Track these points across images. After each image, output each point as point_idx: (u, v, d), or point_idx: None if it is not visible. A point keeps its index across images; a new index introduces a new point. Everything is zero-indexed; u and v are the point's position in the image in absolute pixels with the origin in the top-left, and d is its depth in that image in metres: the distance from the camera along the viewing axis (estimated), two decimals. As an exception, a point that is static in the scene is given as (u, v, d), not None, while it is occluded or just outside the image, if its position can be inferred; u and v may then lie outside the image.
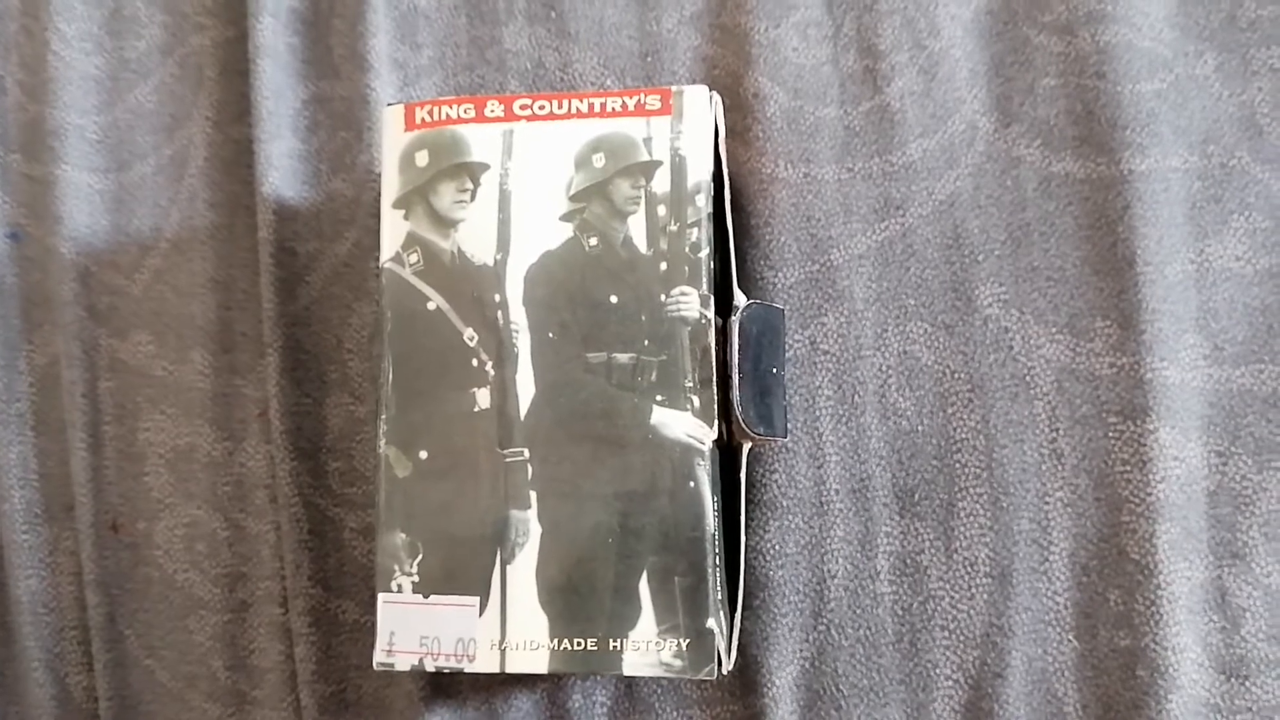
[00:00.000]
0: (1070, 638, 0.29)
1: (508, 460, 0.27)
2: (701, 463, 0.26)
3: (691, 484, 0.26)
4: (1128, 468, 0.29)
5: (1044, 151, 0.31)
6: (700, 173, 0.27)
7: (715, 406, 0.26)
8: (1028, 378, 0.30)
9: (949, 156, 0.32)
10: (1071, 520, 0.29)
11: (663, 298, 0.27)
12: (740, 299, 0.28)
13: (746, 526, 0.30)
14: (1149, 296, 0.30)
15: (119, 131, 0.35)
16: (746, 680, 0.30)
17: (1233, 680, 0.28)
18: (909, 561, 0.30)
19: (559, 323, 0.27)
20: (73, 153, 0.35)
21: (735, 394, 0.27)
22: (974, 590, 0.30)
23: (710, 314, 0.27)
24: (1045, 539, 0.30)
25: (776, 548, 0.30)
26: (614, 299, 0.27)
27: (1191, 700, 0.28)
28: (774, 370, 0.29)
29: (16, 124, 0.35)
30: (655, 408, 0.26)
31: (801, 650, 0.30)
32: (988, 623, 0.29)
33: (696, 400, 0.26)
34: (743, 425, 0.27)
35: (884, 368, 0.31)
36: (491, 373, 0.27)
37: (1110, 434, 0.29)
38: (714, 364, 0.27)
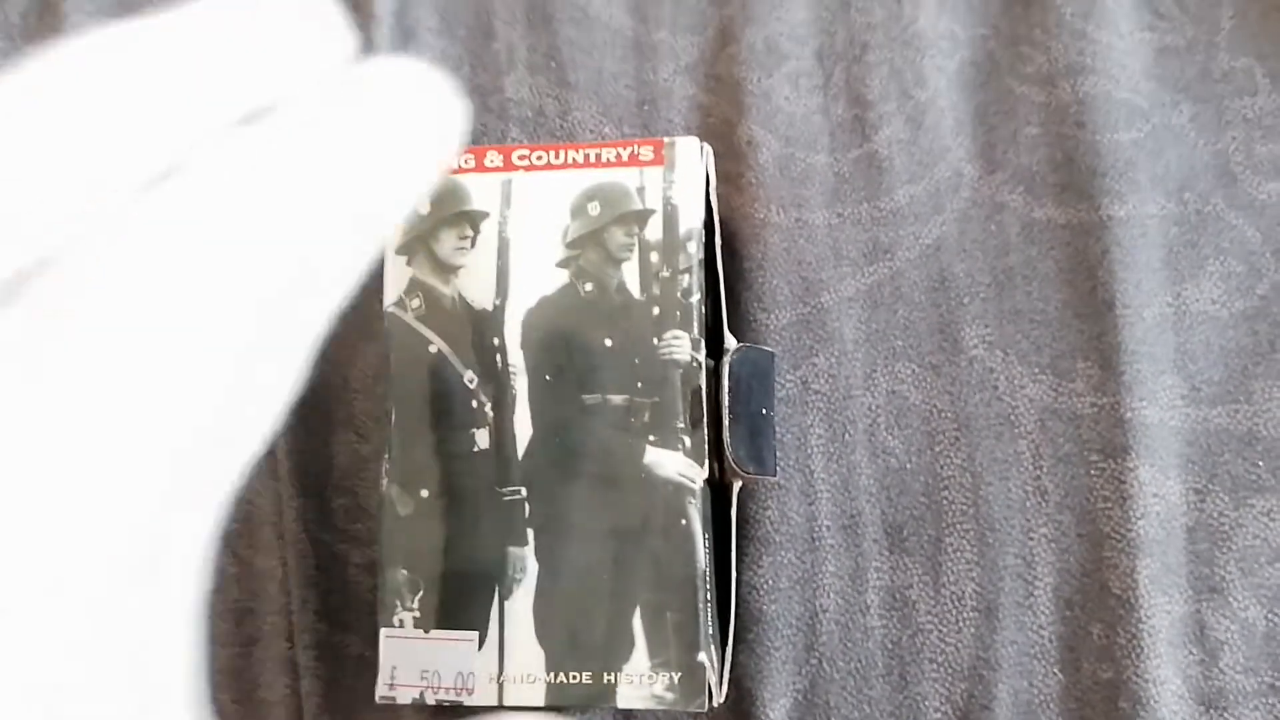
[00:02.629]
0: (1055, 670, 0.30)
1: (505, 499, 0.28)
2: (693, 501, 0.27)
3: (683, 522, 0.27)
4: (1109, 504, 0.30)
5: (1026, 198, 0.32)
6: (691, 220, 0.28)
7: (706, 446, 0.27)
8: (1012, 417, 0.31)
9: (935, 202, 0.33)
10: (1055, 556, 0.30)
11: (655, 341, 0.28)
12: (731, 342, 0.29)
13: (738, 562, 0.31)
14: (1128, 338, 0.31)
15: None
16: (740, 713, 0.31)
17: (1211, 711, 0.29)
18: (898, 596, 0.31)
19: (555, 366, 0.28)
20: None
21: (726, 434, 0.28)
22: (961, 624, 0.30)
23: (701, 357, 0.28)
24: (1030, 574, 0.30)
25: (769, 583, 0.31)
26: (608, 343, 0.28)
27: (1172, 732, 0.29)
28: (764, 411, 0.30)
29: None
30: (648, 448, 0.27)
31: (794, 684, 0.31)
32: (974, 656, 0.30)
33: (688, 440, 0.27)
34: (733, 464, 0.28)
35: (873, 407, 0.32)
36: (491, 414, 0.28)
37: (1092, 472, 0.30)
38: (705, 405, 0.28)
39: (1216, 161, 0.32)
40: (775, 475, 0.30)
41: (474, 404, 0.28)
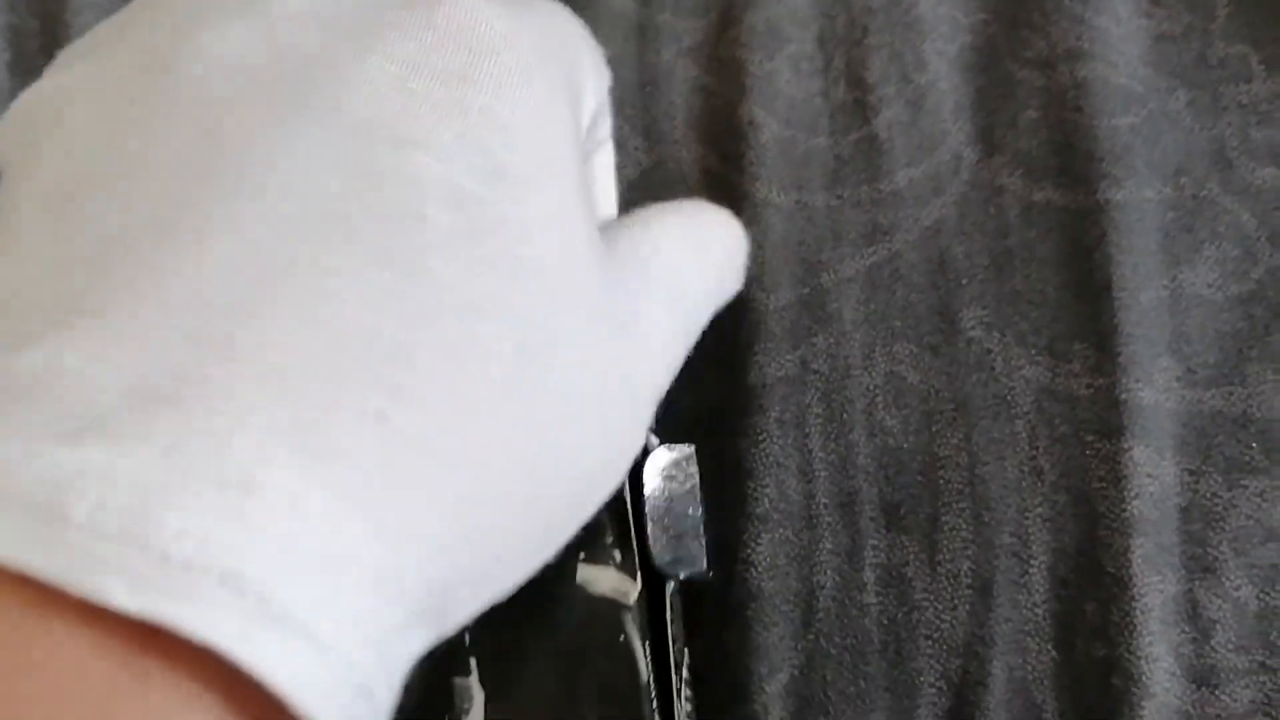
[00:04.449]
0: (1049, 648, 0.30)
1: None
2: (629, 616, 0.26)
3: (621, 638, 0.26)
4: (1104, 484, 0.30)
5: (1025, 181, 0.33)
6: None
7: (637, 559, 0.27)
8: (1009, 397, 0.31)
9: (935, 185, 0.33)
10: (1050, 535, 0.31)
11: None
12: (652, 443, 0.28)
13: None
14: (1124, 321, 0.31)
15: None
16: (737, 687, 0.31)
17: (1204, 689, 0.29)
18: (894, 574, 0.31)
19: None
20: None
21: (650, 543, 0.27)
22: (956, 602, 0.31)
23: None
24: (1025, 553, 0.31)
25: (768, 560, 0.32)
26: None
27: (1164, 708, 0.29)
28: (689, 511, 0.29)
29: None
30: (580, 566, 0.27)
31: (791, 659, 0.31)
32: (970, 633, 0.31)
33: (618, 555, 0.27)
34: (659, 571, 0.27)
35: (871, 387, 0.32)
36: None
37: (1087, 452, 0.31)
38: (631, 517, 0.27)
39: (1212, 147, 0.32)
40: (710, 570, 0.28)
41: None
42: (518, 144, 0.17)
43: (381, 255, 0.15)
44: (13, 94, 0.37)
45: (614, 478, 0.19)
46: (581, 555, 0.27)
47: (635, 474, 0.28)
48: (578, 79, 0.21)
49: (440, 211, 0.16)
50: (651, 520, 0.28)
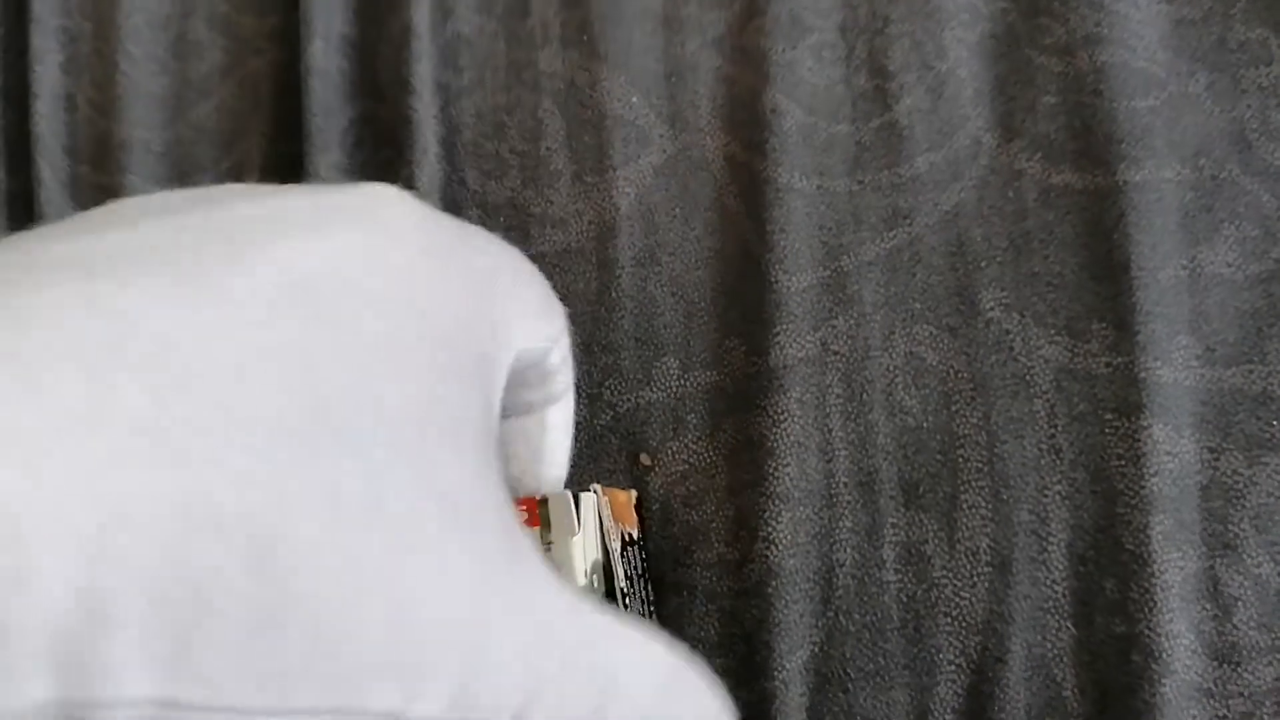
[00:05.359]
0: (1068, 624, 0.30)
1: None
2: None
3: None
4: (1123, 462, 0.31)
5: (1044, 165, 0.33)
6: (575, 577, 0.26)
7: None
8: (1028, 377, 0.32)
9: (954, 170, 0.33)
10: (1069, 512, 0.31)
11: None
12: None
13: (760, 519, 0.32)
14: (1143, 300, 0.31)
15: (181, 146, 0.38)
16: (756, 664, 0.32)
17: (1225, 666, 0.29)
18: (914, 551, 0.32)
19: None
20: (138, 164, 0.38)
21: None
22: (976, 579, 0.31)
23: None
24: (1044, 530, 0.31)
25: (789, 538, 0.32)
26: None
27: (1185, 685, 0.29)
28: None
29: (86, 138, 0.38)
30: None
31: (811, 635, 0.32)
32: (989, 610, 0.31)
33: None
34: None
35: (891, 368, 0.33)
36: None
37: (1106, 430, 0.31)
38: None
39: (1232, 128, 0.32)
40: None
41: None
42: (387, 319, 0.16)
43: (194, 281, 0.15)
44: (65, 94, 0.39)
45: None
46: None
47: None
48: (502, 316, 0.19)
49: (275, 305, 0.15)
50: None
